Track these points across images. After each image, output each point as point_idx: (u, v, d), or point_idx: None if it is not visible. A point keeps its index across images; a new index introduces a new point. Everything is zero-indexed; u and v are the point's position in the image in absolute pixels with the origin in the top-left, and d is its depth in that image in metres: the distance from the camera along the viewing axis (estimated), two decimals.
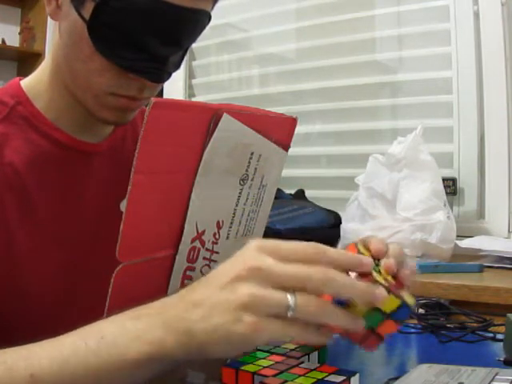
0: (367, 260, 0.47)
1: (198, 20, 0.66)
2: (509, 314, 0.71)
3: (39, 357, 0.46)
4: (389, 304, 0.46)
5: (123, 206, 0.52)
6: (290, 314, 0.43)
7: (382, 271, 0.49)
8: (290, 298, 0.43)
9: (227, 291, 0.44)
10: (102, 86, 0.66)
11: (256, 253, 0.45)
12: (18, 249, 0.66)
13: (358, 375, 0.54)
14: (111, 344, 0.45)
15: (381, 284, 0.46)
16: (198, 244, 0.60)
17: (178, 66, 0.71)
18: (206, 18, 0.67)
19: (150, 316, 0.46)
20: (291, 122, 0.67)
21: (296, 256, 0.45)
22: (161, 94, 2.02)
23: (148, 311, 0.47)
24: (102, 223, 0.72)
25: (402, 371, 0.62)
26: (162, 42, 0.65)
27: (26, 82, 0.73)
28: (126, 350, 0.45)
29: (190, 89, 2.39)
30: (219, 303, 0.44)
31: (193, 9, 0.64)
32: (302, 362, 0.57)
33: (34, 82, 0.73)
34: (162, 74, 0.67)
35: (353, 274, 0.47)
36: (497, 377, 0.56)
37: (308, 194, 1.90)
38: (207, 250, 0.61)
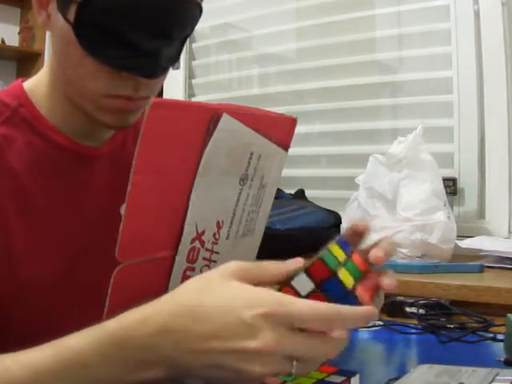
0: (372, 311, 0.45)
1: (185, 9, 0.65)
2: (509, 315, 0.71)
3: (19, 381, 0.45)
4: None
5: (123, 209, 0.51)
6: (292, 372, 0.44)
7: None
8: (294, 368, 0.43)
9: (234, 358, 0.43)
10: (96, 90, 0.66)
11: (273, 326, 0.42)
12: (18, 251, 0.66)
13: (358, 375, 0.54)
14: (96, 375, 0.44)
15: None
16: (197, 244, 0.60)
17: (174, 61, 0.69)
18: (195, 7, 0.66)
19: (139, 350, 0.44)
20: (291, 122, 0.67)
21: (313, 325, 0.44)
22: (160, 93, 2.01)
23: (134, 342, 0.44)
24: (103, 226, 0.71)
25: (402, 371, 0.62)
26: (149, 35, 0.64)
27: (28, 85, 0.73)
28: (112, 380, 0.44)
29: (190, 89, 2.39)
30: (224, 365, 0.43)
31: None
32: None
33: (36, 87, 0.72)
34: (154, 70, 0.66)
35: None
36: (497, 377, 0.56)
37: (308, 194, 1.90)
38: (207, 250, 0.61)
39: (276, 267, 0.47)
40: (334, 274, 0.45)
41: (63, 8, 0.63)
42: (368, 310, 0.44)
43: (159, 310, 0.45)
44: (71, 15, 0.63)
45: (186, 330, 0.43)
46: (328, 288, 0.45)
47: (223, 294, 0.44)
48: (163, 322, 0.44)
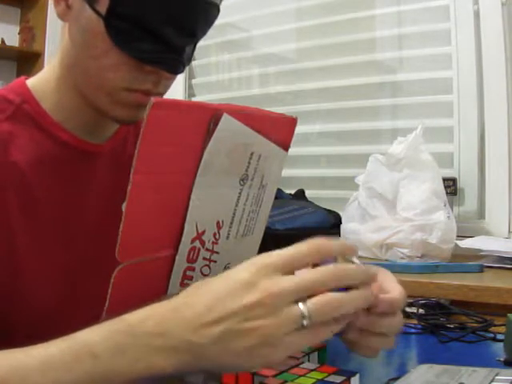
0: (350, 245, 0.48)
1: (209, 11, 0.67)
2: (509, 315, 0.71)
3: (32, 374, 0.45)
4: None
5: (124, 207, 0.51)
6: (305, 323, 0.43)
7: None
8: (302, 307, 0.43)
9: (241, 319, 0.43)
10: (116, 82, 0.66)
11: (268, 275, 0.43)
12: (20, 248, 0.66)
13: (358, 375, 0.54)
14: (106, 364, 0.44)
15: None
16: (197, 244, 0.60)
17: (190, 60, 0.71)
18: (215, 10, 0.68)
19: (148, 335, 0.44)
20: (291, 122, 0.67)
21: (302, 262, 0.45)
22: None
23: (144, 328, 0.45)
24: (104, 224, 0.72)
25: (402, 371, 0.62)
26: (179, 31, 0.65)
27: (31, 82, 0.73)
28: (123, 371, 0.44)
29: (190, 89, 2.39)
30: (233, 330, 0.42)
31: (206, 0, 0.66)
32: (302, 363, 0.57)
33: (41, 83, 0.72)
34: (178, 65, 0.68)
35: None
36: (497, 377, 0.56)
37: (308, 194, 1.90)
38: (207, 250, 0.61)
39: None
40: None
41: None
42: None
43: (170, 301, 0.46)
44: (102, 7, 0.63)
45: (193, 310, 0.44)
46: None
47: (226, 274, 0.46)
48: (173, 308, 0.45)
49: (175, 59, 0.67)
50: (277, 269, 0.44)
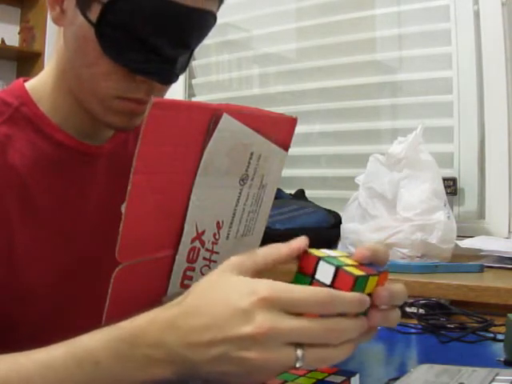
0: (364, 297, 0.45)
1: (205, 21, 0.66)
2: (509, 314, 0.71)
3: (33, 377, 0.45)
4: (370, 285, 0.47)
5: (124, 208, 0.51)
6: (299, 365, 0.43)
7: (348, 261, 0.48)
8: (298, 353, 0.43)
9: (235, 347, 0.43)
10: (108, 90, 0.66)
11: (268, 310, 0.43)
12: (20, 249, 0.66)
13: (358, 375, 0.54)
14: (107, 371, 0.45)
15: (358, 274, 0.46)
16: (197, 244, 0.60)
17: (184, 68, 0.70)
18: (212, 19, 0.67)
19: (148, 346, 0.45)
20: (291, 122, 0.67)
21: (307, 308, 0.43)
22: None
23: (144, 339, 0.45)
24: (104, 225, 0.72)
25: (402, 371, 0.62)
26: (171, 42, 0.64)
27: (30, 84, 0.72)
28: (123, 378, 0.45)
29: (190, 89, 2.39)
30: (227, 356, 0.43)
31: (200, 9, 0.64)
32: None
33: (39, 85, 0.72)
34: (170, 75, 0.67)
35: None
36: (497, 377, 0.56)
37: (308, 194, 1.90)
38: (207, 250, 0.61)
39: (269, 252, 0.48)
40: (320, 258, 0.46)
41: (83, 6, 0.63)
42: (361, 295, 0.44)
43: (168, 309, 0.46)
44: (93, 14, 0.63)
45: (191, 324, 0.44)
46: (320, 275, 0.46)
47: (223, 288, 0.45)
48: (171, 319, 0.45)
49: (167, 70, 0.66)
50: (280, 306, 0.43)
